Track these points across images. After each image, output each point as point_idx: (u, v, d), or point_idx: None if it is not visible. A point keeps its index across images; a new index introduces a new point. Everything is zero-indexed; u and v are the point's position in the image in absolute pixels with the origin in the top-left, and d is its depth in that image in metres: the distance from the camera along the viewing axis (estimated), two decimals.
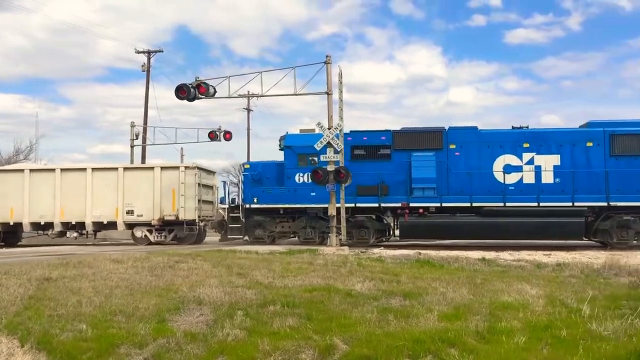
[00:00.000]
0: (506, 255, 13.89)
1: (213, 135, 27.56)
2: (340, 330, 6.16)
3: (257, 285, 8.01)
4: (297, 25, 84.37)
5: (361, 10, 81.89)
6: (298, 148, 19.05)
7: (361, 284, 8.03)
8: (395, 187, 18.36)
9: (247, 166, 19.92)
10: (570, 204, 17.19)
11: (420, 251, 14.41)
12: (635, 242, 16.65)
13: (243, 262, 10.78)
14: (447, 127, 18.63)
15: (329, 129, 16.55)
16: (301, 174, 18.94)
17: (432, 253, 13.65)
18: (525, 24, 69.72)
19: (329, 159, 16.59)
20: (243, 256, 12.13)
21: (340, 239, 16.51)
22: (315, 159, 18.79)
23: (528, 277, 9.61)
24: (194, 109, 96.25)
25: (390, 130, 18.88)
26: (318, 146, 16.54)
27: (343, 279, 8.58)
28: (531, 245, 17.39)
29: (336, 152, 16.54)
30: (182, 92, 17.03)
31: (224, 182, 21.47)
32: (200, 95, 17.35)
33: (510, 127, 18.55)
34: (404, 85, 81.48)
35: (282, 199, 18.85)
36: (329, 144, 16.45)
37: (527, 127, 18.43)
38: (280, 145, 19.93)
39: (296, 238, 19.37)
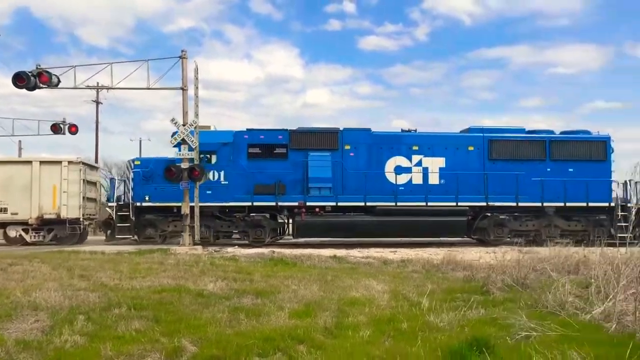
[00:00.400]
0: (356, 253, 14.35)
1: (56, 128, 25.76)
2: (189, 332, 5.95)
3: (102, 287, 7.54)
4: (153, 16, 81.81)
5: (219, 7, 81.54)
6: None
7: (213, 284, 7.86)
8: (292, 186, 18.40)
9: (137, 162, 18.99)
10: (454, 203, 18.18)
11: (274, 250, 14.52)
12: (508, 238, 17.90)
13: (87, 263, 10.23)
14: (342, 128, 18.97)
15: (183, 125, 16.17)
16: None
17: (286, 251, 13.79)
18: (378, 32, 73.99)
19: (182, 156, 16.26)
20: (87, 257, 11.54)
21: (194, 238, 16.32)
22: (210, 156, 18.42)
23: (375, 274, 9.96)
24: (36, 99, 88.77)
25: (287, 130, 18.90)
26: (172, 142, 16.21)
27: (195, 279, 8.36)
28: (392, 243, 18.12)
29: (191, 149, 16.24)
30: (21, 80, 15.87)
31: (112, 179, 20.30)
32: (41, 85, 16.28)
33: (400, 130, 19.28)
34: (262, 85, 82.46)
35: (175, 197, 18.15)
36: (183, 141, 16.08)
37: (416, 131, 19.26)
38: (172, 141, 19.20)
39: None
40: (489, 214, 18.42)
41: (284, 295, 7.41)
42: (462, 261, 11.33)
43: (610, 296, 7.12)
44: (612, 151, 18.51)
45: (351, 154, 18.62)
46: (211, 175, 18.35)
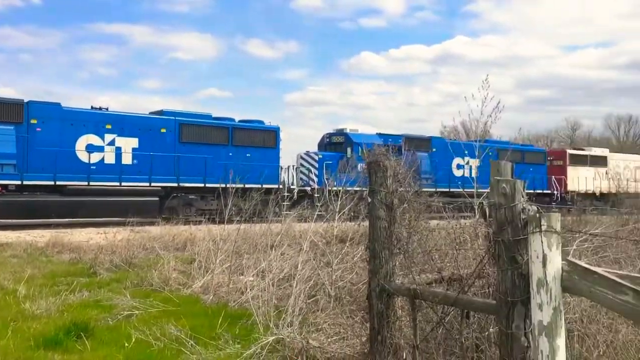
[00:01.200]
0: None
1: None
2: None
3: None
4: None
5: None
6: None
7: None
8: None
9: None
10: (147, 184, 18.97)
11: None
12: (195, 216, 19.61)
13: None
14: (26, 100, 17.80)
15: None
16: None
17: None
18: None
19: None
20: None
21: None
22: None
23: None
24: None
25: None
26: None
27: None
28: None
29: None
30: None
31: None
32: None
33: (90, 107, 19.03)
34: None
35: None
36: None
37: (107, 109, 19.31)
38: None
39: None
40: (179, 194, 19.76)
41: None
42: (70, 243, 11.15)
43: (210, 270, 8.69)
44: (280, 140, 21.92)
45: (38, 129, 17.63)
46: None
